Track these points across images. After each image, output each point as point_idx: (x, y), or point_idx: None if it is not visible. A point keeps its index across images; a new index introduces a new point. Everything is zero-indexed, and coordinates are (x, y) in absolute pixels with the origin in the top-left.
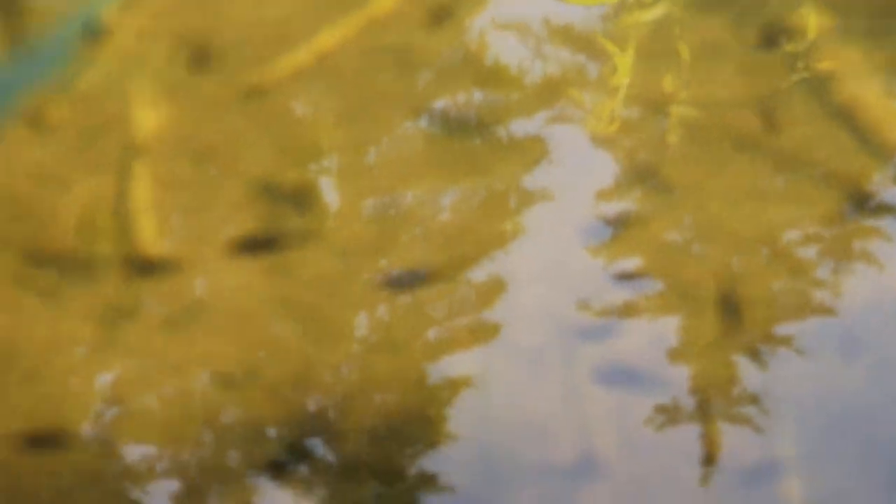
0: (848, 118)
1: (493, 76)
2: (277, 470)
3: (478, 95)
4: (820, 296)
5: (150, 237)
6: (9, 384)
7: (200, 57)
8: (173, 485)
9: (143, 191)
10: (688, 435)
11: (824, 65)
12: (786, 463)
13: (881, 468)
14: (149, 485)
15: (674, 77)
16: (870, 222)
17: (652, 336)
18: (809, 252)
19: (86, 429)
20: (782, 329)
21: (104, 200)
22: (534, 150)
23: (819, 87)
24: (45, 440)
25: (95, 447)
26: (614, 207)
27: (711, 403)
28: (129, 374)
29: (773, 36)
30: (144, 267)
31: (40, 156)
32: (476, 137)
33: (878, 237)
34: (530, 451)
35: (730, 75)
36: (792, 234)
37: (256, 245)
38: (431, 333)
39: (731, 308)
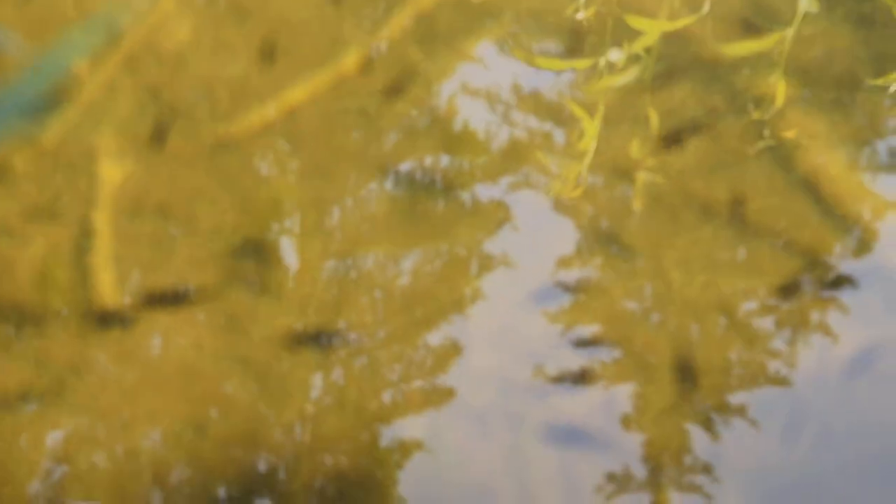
0: (811, 189)
1: (460, 140)
2: None
3: (443, 158)
4: (773, 366)
5: (107, 292)
6: None
7: (166, 111)
8: None
9: (102, 245)
10: (637, 502)
11: (790, 133)
12: None
13: None
14: None
15: (641, 143)
16: (827, 293)
17: (605, 402)
18: (765, 322)
19: (33, 487)
20: (735, 398)
21: (62, 254)
22: (496, 215)
23: (784, 156)
24: None
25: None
26: (574, 273)
27: (663, 471)
28: (77, 431)
29: (740, 104)
30: (99, 322)
31: (2, 206)
32: (440, 200)
33: (834, 308)
34: None
35: (696, 143)
36: (749, 304)
37: (211, 302)
38: (385, 395)
39: (685, 376)
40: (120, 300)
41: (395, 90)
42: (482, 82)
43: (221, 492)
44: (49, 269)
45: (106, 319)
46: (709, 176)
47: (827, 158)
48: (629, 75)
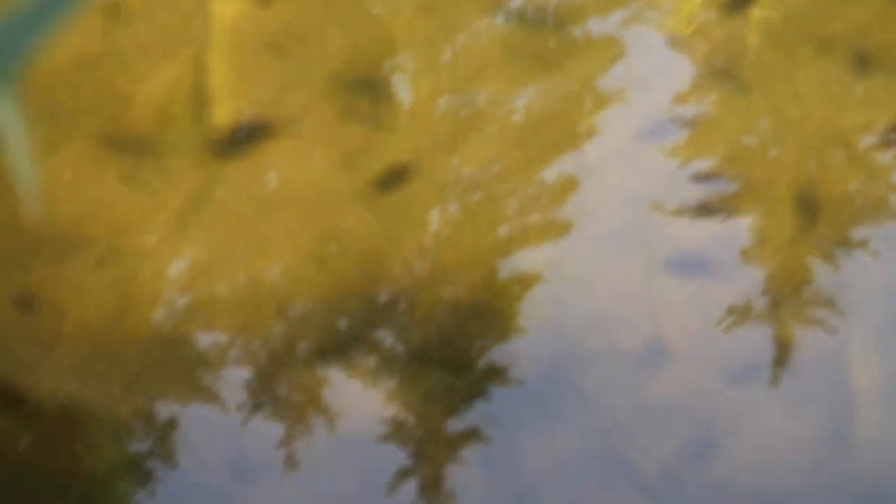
0: None
1: None
2: (346, 360)
3: None
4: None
5: (224, 126)
6: (82, 268)
7: None
8: (242, 373)
9: (219, 79)
10: (758, 333)
11: None
12: (856, 360)
13: None
14: (218, 372)
15: None
16: None
17: (725, 235)
18: (886, 156)
19: (156, 315)
20: (857, 231)
21: (181, 88)
22: (609, 51)
23: None
24: (116, 325)
25: (166, 333)
26: (689, 109)
27: (784, 304)
28: (200, 261)
29: None
30: (219, 155)
31: (117, 44)
32: (552, 36)
33: None
34: (599, 339)
35: None
36: (868, 138)
37: (326, 137)
38: (502, 229)
39: (806, 209)
40: (237, 135)
41: None
42: None
43: (342, 324)
44: (166, 104)
45: (223, 153)
46: (827, 10)
47: None
48: None
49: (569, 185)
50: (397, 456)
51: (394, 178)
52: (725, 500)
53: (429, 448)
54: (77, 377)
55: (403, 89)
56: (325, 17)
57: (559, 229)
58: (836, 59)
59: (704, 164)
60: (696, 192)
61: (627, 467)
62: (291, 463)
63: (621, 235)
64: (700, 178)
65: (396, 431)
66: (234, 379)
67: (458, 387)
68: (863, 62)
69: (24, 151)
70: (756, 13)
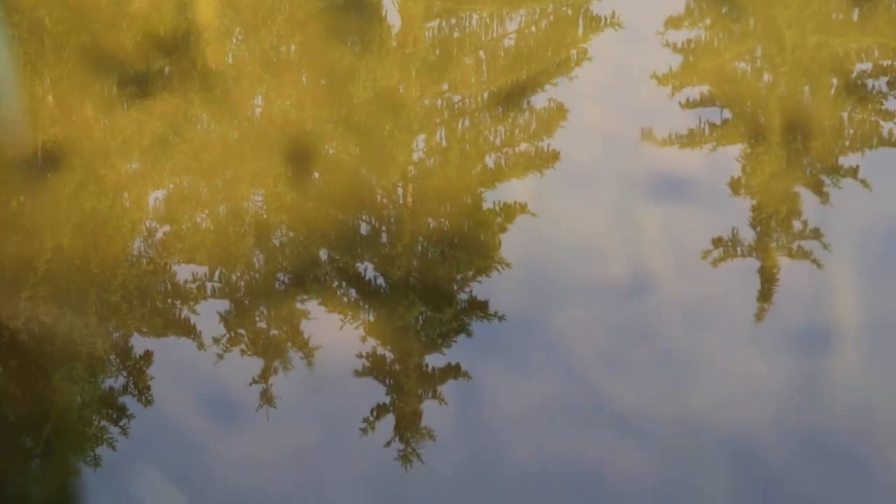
0: None
1: None
2: (326, 292)
3: None
4: (886, 126)
5: (211, 53)
6: (62, 194)
7: None
8: (222, 305)
9: (205, 6)
10: (744, 266)
11: None
12: (843, 292)
13: None
14: (197, 304)
15: None
16: None
17: (714, 163)
18: (879, 83)
19: (135, 244)
20: (847, 159)
21: (166, 13)
22: None
23: None
24: (94, 254)
25: (144, 263)
26: (683, 34)
27: (771, 235)
28: (180, 189)
29: None
30: (201, 81)
31: None
32: None
33: None
34: (582, 272)
35: None
36: (863, 65)
37: (312, 61)
38: (489, 158)
39: (796, 137)
40: (222, 60)
41: None
42: None
43: (323, 253)
44: (152, 27)
45: (209, 80)
46: None
47: None
48: None
49: (558, 114)
50: (375, 391)
51: (380, 104)
52: (698, 437)
53: (406, 383)
54: (54, 307)
55: (392, 10)
56: None
57: (545, 159)
58: None
59: (695, 91)
60: (686, 120)
61: (602, 404)
62: (267, 398)
63: (608, 165)
64: (690, 105)
65: (374, 366)
66: (212, 312)
67: (438, 321)
68: None
69: (7, 72)
70: None
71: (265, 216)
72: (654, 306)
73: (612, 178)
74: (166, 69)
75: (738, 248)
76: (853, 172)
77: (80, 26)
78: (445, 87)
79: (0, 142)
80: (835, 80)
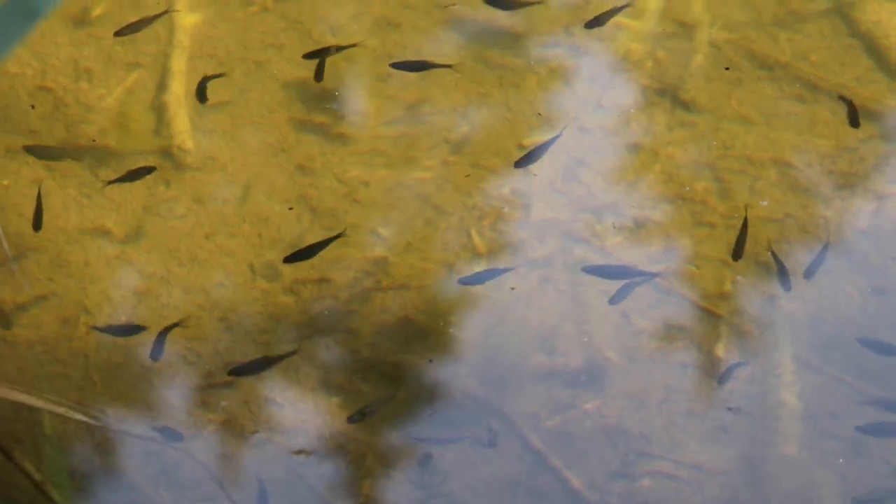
0: (872, 45)
1: None
2: (288, 373)
3: (510, 12)
4: (829, 219)
5: (182, 135)
6: (38, 272)
7: None
8: (191, 377)
9: (178, 88)
10: (691, 353)
11: None
12: (784, 382)
13: (874, 384)
14: (168, 376)
15: (704, 0)
16: (881, 146)
17: (663, 253)
18: (820, 175)
19: (110, 320)
20: (789, 251)
21: (139, 98)
22: (560, 68)
23: (845, 13)
24: (71, 327)
25: (115, 341)
26: (635, 128)
27: (719, 321)
28: (152, 271)
29: None
30: (174, 166)
31: (79, 51)
32: (506, 53)
33: (888, 160)
34: (537, 358)
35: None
36: (804, 157)
37: (282, 149)
38: (450, 244)
39: (740, 229)
40: (195, 143)
41: None
42: None
43: (286, 336)
44: (126, 114)
45: (181, 161)
46: (771, 32)
47: (885, 11)
48: None
49: (512, 206)
50: (334, 471)
51: (344, 192)
52: None
53: (365, 464)
54: (25, 384)
55: (359, 102)
56: (288, 28)
57: (503, 247)
58: (780, 82)
59: (643, 186)
60: (637, 212)
61: (556, 488)
62: (230, 478)
63: (561, 255)
64: (638, 200)
65: (335, 447)
66: (182, 383)
67: (398, 403)
68: (804, 83)
69: None
70: (702, 35)
71: (235, 298)
72: (605, 393)
73: (560, 271)
74: (140, 155)
75: (683, 336)
76: (796, 263)
77: (57, 112)
78: (409, 176)
79: None
80: (778, 173)
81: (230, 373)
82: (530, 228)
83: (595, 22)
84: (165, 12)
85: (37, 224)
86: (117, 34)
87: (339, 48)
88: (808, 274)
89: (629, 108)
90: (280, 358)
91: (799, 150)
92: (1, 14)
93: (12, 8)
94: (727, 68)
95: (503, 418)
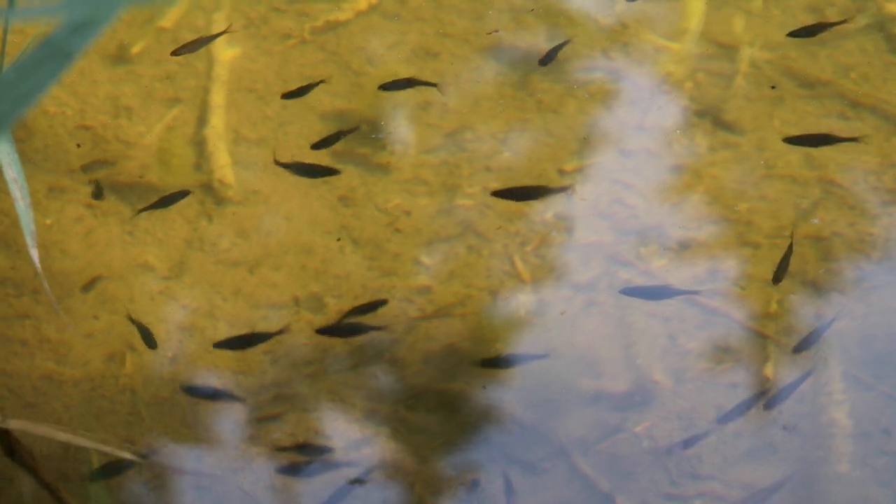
0: None
1: (567, 19)
2: (338, 404)
3: (550, 34)
4: (877, 235)
5: (223, 170)
6: (83, 310)
7: None
8: (240, 413)
9: (218, 123)
10: (739, 373)
11: (893, 6)
12: (836, 400)
13: None
14: (216, 412)
15: (745, 20)
16: None
17: (708, 274)
18: (865, 192)
19: (154, 359)
20: (837, 272)
21: (179, 133)
22: (601, 91)
23: (888, 29)
24: (117, 363)
25: (164, 376)
26: (676, 148)
27: (768, 341)
28: (197, 302)
29: None
30: (216, 200)
31: (118, 89)
32: (546, 78)
33: None
34: (585, 382)
35: (799, 17)
36: (849, 175)
37: (324, 180)
38: (494, 270)
39: (790, 250)
40: (236, 177)
41: None
42: None
43: (334, 367)
44: (167, 149)
45: (223, 197)
46: (811, 50)
47: None
48: None
49: (555, 229)
50: (383, 500)
51: (387, 222)
52: None
53: (417, 491)
54: (72, 422)
55: (400, 131)
56: (326, 60)
57: (547, 271)
58: (822, 100)
59: (687, 207)
60: (683, 233)
61: None
62: None
63: (606, 277)
64: (682, 222)
65: (386, 475)
66: (231, 419)
67: (448, 430)
68: (848, 102)
69: (24, 197)
70: (742, 55)
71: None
72: (654, 415)
73: (606, 294)
74: (182, 187)
75: (733, 356)
76: (841, 286)
77: (98, 149)
78: (451, 204)
79: (21, 264)
80: (824, 191)
81: (216, 345)
82: (574, 253)
83: (547, 58)
84: (225, 31)
85: (150, 343)
86: (174, 53)
87: (346, 132)
88: (798, 349)
89: (671, 129)
90: (268, 335)
91: (844, 167)
92: (34, 57)
93: (45, 51)
94: (773, 87)
95: (551, 443)
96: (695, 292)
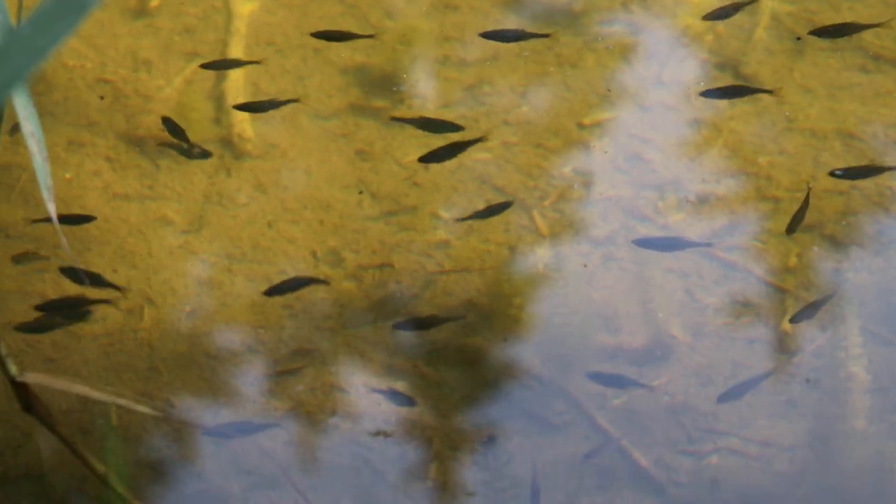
0: None
1: None
2: (357, 359)
3: None
4: (893, 189)
5: (243, 124)
6: (101, 264)
7: None
8: (260, 367)
9: (237, 76)
10: (757, 328)
11: None
12: (852, 354)
13: None
14: (236, 367)
15: None
16: None
17: (729, 227)
18: (885, 145)
19: (173, 313)
20: (855, 228)
21: (198, 87)
22: (621, 45)
23: None
24: (136, 318)
25: (183, 331)
26: (695, 102)
27: (786, 296)
28: (216, 258)
29: None
30: (235, 155)
31: (137, 42)
32: (565, 31)
33: None
34: (602, 337)
35: None
36: (870, 129)
37: (342, 134)
38: (511, 224)
39: (806, 202)
40: (254, 132)
41: None
42: None
43: (353, 322)
44: (186, 103)
45: (242, 150)
46: (832, 3)
47: None
48: None
49: (574, 184)
50: (401, 456)
51: (405, 177)
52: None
53: (435, 446)
54: (94, 377)
55: (419, 85)
56: (345, 13)
57: (565, 226)
58: (843, 52)
59: (706, 161)
60: (702, 187)
61: (623, 467)
62: (304, 466)
63: (625, 232)
64: (700, 176)
65: (406, 431)
66: (251, 373)
67: (467, 385)
68: (869, 55)
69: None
70: (765, 6)
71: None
72: (672, 371)
73: (624, 248)
74: (201, 145)
75: (751, 311)
76: (860, 241)
77: (117, 103)
78: (466, 159)
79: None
80: (844, 145)
81: (267, 292)
82: (592, 207)
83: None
84: None
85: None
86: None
87: (313, 281)
88: (722, 399)
89: (690, 83)
90: (315, 280)
91: (863, 120)
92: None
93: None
94: (798, 38)
95: (569, 398)
96: (708, 244)
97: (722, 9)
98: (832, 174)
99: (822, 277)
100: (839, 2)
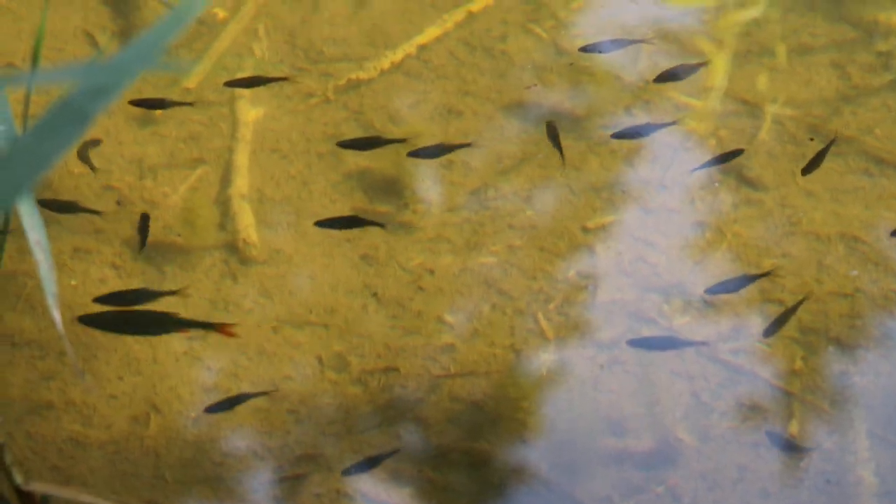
0: None
1: (589, 75)
2: (366, 457)
3: (573, 92)
4: None
5: (249, 229)
6: (107, 371)
7: (300, 55)
8: (267, 472)
9: (241, 183)
10: (765, 430)
11: None
12: (861, 458)
13: None
14: (244, 473)
15: (769, 77)
16: None
17: (734, 330)
18: (889, 249)
19: (180, 420)
20: (862, 330)
21: (204, 194)
22: (626, 148)
23: None
24: (141, 425)
25: (190, 437)
26: (699, 205)
27: (792, 398)
28: (220, 363)
29: (867, 36)
30: (240, 260)
31: (143, 150)
32: (570, 135)
33: None
34: (609, 441)
35: (823, 75)
36: (873, 231)
37: (346, 240)
38: (517, 328)
39: (811, 304)
40: (260, 237)
41: (523, 27)
42: (610, 19)
43: (360, 426)
44: (192, 210)
45: (247, 257)
46: (835, 107)
47: None
48: (758, 9)
49: (579, 288)
50: None
51: (411, 280)
52: None
53: None
54: (100, 484)
55: (423, 190)
56: (349, 118)
57: (570, 329)
58: (846, 157)
59: (712, 264)
60: (701, 294)
61: None
62: None
63: (627, 338)
64: (705, 279)
65: None
66: (258, 479)
67: (473, 490)
68: (872, 159)
69: (47, 259)
70: (766, 112)
71: (307, 390)
72: (680, 474)
73: (630, 352)
74: (206, 250)
75: (758, 412)
76: (871, 339)
77: (123, 210)
78: (474, 262)
79: (44, 326)
80: (848, 248)
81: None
82: (597, 310)
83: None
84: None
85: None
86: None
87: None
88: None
89: (693, 187)
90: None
91: (867, 224)
92: (52, 120)
93: (63, 113)
94: (811, 139)
95: (575, 503)
96: (703, 343)
97: (671, 70)
98: None
99: (828, 381)
100: (841, 106)
